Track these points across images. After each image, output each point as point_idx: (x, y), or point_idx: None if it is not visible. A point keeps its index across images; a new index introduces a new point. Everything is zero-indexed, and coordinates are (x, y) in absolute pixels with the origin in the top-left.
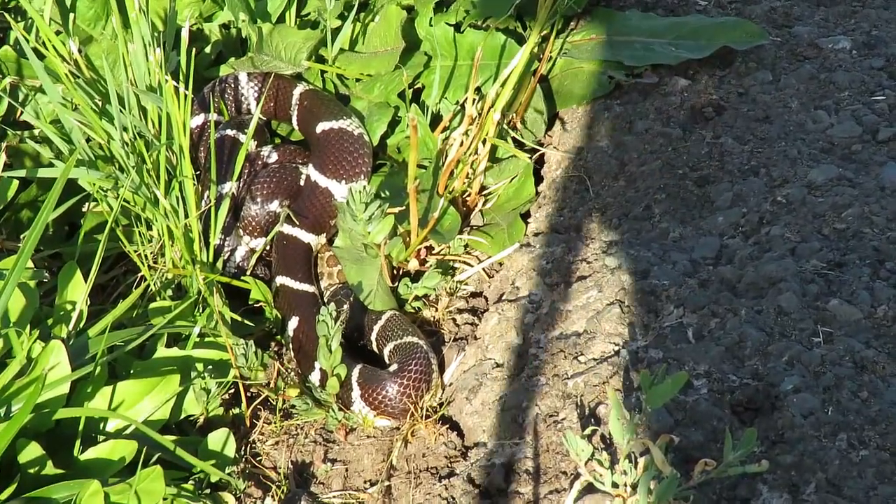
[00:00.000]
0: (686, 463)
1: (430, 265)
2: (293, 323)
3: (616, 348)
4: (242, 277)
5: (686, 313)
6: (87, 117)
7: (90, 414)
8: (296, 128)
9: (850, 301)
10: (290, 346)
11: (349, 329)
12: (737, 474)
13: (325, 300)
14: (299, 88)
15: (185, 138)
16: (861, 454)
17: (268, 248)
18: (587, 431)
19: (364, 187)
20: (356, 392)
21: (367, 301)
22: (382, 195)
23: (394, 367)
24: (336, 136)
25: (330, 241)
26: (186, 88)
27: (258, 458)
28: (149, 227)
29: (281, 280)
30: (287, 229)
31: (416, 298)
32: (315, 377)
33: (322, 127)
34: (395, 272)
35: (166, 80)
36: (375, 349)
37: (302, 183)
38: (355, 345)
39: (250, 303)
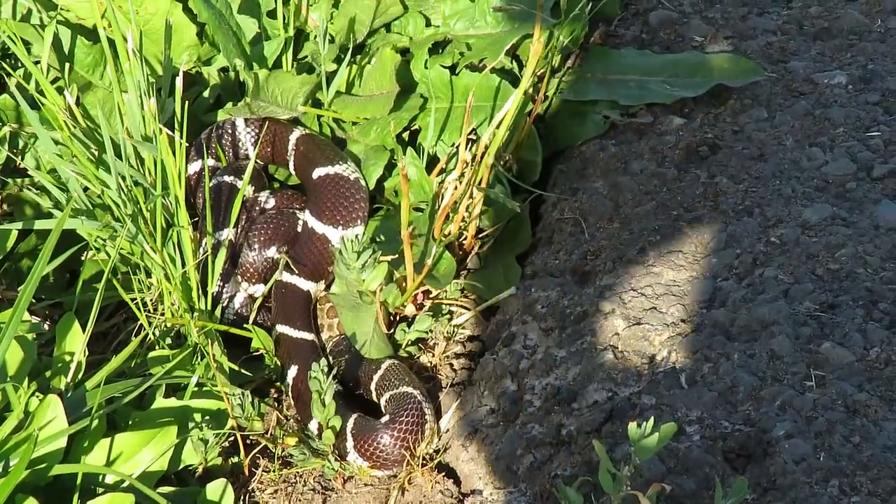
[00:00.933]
0: None
1: (426, 309)
2: (292, 372)
3: (609, 395)
4: (244, 325)
5: (679, 358)
6: (82, 167)
7: (86, 470)
8: (293, 173)
9: (843, 343)
10: (290, 394)
11: (350, 378)
12: None
13: (328, 352)
14: (296, 133)
15: (180, 188)
16: (853, 500)
17: (268, 294)
18: (578, 482)
19: (356, 236)
20: (350, 443)
21: (363, 349)
22: (377, 240)
23: (386, 417)
24: (332, 182)
25: (329, 287)
26: (181, 137)
27: None
28: (148, 275)
29: (280, 328)
30: (285, 277)
31: (412, 343)
32: (314, 426)
33: (318, 172)
34: (391, 318)
35: (160, 130)
36: (374, 399)
37: (299, 229)
38: (355, 394)
39: (251, 351)
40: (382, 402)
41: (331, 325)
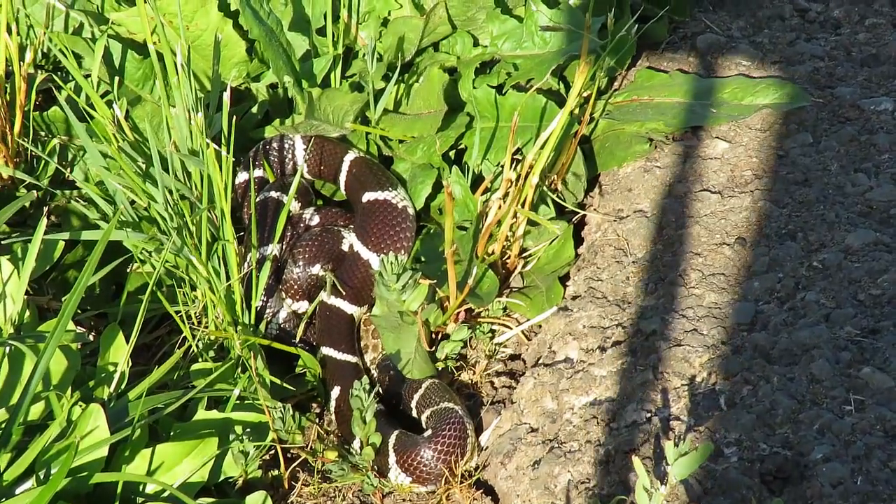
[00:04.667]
0: None
1: (462, 321)
2: (335, 392)
3: (648, 415)
4: (291, 343)
5: (719, 380)
6: (129, 180)
7: (127, 479)
8: (343, 193)
9: (883, 369)
10: (333, 414)
11: (394, 396)
12: None
13: (372, 372)
14: (350, 155)
15: (226, 202)
16: None
17: (312, 313)
18: (615, 501)
19: (396, 257)
20: (392, 458)
21: (406, 370)
22: (420, 259)
23: (429, 432)
24: (380, 208)
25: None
26: (228, 152)
27: None
28: (192, 288)
29: (325, 351)
30: (330, 300)
31: (453, 359)
32: (356, 445)
33: (368, 197)
34: (433, 336)
35: (207, 145)
36: (416, 416)
37: (344, 247)
38: (398, 411)
39: (297, 371)
40: (423, 419)
41: (375, 346)
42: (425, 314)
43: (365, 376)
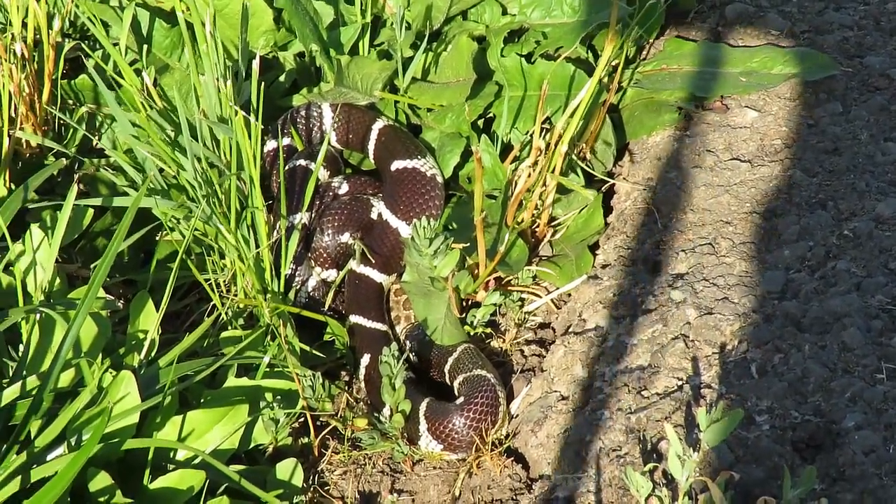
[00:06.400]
0: (747, 500)
1: (493, 288)
2: (365, 360)
3: (679, 383)
4: (323, 310)
5: (750, 348)
6: (158, 148)
7: (158, 445)
8: (372, 161)
9: None
10: (363, 383)
11: (425, 363)
12: None
13: (402, 339)
14: (379, 123)
15: (255, 170)
16: None
17: (341, 281)
18: (647, 468)
19: (429, 221)
20: (423, 426)
21: (435, 336)
22: (450, 227)
23: (461, 399)
24: (409, 176)
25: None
26: (257, 120)
27: (326, 488)
28: (221, 256)
29: (354, 318)
30: (359, 268)
31: (483, 326)
32: (386, 412)
33: (397, 165)
34: (463, 304)
35: (235, 113)
36: (447, 382)
37: (373, 215)
38: (429, 377)
39: (325, 339)
40: (456, 385)
41: (407, 317)
42: (456, 280)
43: (394, 343)
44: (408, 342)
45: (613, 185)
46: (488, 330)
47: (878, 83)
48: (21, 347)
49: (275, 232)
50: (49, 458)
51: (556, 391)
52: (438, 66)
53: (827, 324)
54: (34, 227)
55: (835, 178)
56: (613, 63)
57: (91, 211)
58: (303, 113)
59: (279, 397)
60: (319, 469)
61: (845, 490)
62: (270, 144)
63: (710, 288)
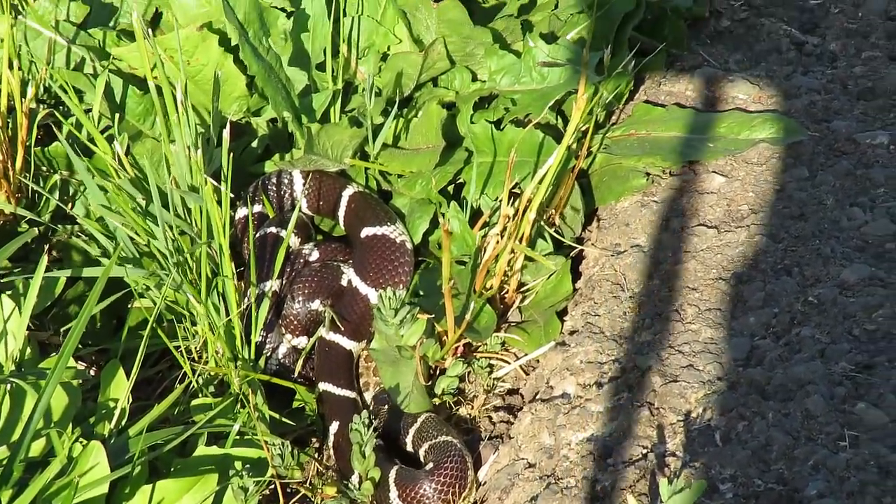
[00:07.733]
0: None
1: (458, 356)
2: (333, 427)
3: (644, 451)
4: (289, 378)
5: (714, 416)
6: (129, 217)
7: None
8: (342, 228)
9: (878, 404)
10: (332, 450)
11: (390, 430)
12: None
13: (370, 406)
14: (349, 190)
15: (224, 238)
16: None
17: (311, 348)
18: None
19: (394, 292)
20: (393, 493)
21: (403, 404)
22: (419, 294)
23: (429, 465)
24: (379, 243)
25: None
26: (227, 188)
27: None
28: (192, 323)
29: (323, 386)
30: (329, 335)
31: (450, 394)
32: (355, 479)
33: (367, 232)
34: (431, 371)
35: (206, 181)
36: (412, 450)
37: (343, 282)
38: (395, 445)
39: (294, 406)
40: (422, 453)
41: (377, 384)
42: (423, 349)
43: (364, 411)
44: (374, 407)
45: (582, 250)
46: (456, 398)
47: (844, 147)
48: None
49: (245, 299)
50: None
51: (523, 458)
52: (409, 133)
53: (791, 391)
54: (5, 297)
55: (800, 244)
56: (583, 128)
57: (63, 279)
58: (274, 180)
59: (248, 465)
60: None
61: None
62: (242, 211)
63: (675, 355)
